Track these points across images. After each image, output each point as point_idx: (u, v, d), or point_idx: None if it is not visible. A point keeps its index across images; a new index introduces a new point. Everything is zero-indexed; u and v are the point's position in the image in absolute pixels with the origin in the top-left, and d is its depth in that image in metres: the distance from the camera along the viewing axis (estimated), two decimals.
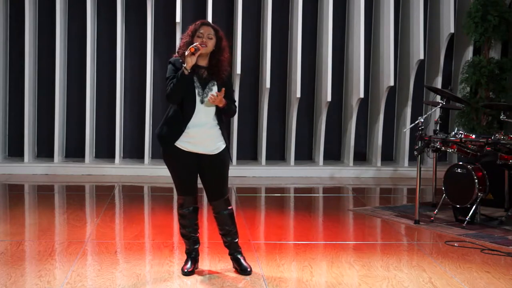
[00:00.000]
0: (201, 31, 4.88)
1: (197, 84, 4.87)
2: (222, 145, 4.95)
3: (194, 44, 4.79)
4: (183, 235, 5.09)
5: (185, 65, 4.80)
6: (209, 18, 9.43)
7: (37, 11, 9.77)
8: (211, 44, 4.88)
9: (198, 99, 4.87)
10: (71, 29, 9.88)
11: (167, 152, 4.95)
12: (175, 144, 4.89)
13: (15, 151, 9.87)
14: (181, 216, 5.04)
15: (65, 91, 9.89)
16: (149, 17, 9.64)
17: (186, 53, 4.77)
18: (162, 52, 9.96)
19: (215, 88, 4.90)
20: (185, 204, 5.01)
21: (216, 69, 4.91)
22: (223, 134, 4.96)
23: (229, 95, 4.94)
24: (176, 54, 5.01)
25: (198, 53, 4.79)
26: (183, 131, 4.87)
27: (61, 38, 9.55)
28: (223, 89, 4.85)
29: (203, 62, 4.92)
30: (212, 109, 4.90)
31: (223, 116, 4.98)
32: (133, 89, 10.05)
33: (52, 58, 9.55)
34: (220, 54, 4.91)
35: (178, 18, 9.45)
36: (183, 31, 9.66)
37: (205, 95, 4.87)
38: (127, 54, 9.99)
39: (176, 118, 4.92)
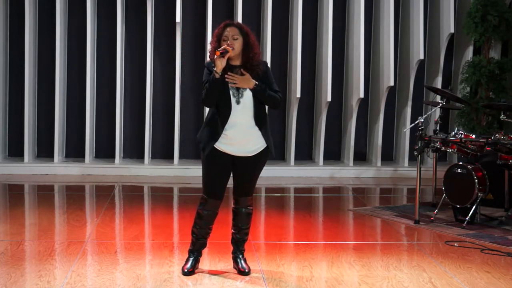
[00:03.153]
0: (226, 34, 4.84)
1: (231, 85, 4.84)
2: (262, 146, 4.92)
3: (221, 47, 4.77)
4: (193, 233, 5.07)
5: (215, 69, 4.77)
6: (209, 19, 9.44)
7: (37, 11, 9.77)
8: (238, 44, 4.84)
9: (233, 100, 4.84)
10: (71, 29, 9.88)
11: (206, 154, 4.90)
12: (214, 146, 4.86)
13: (15, 151, 9.87)
14: (198, 215, 5.02)
15: (65, 91, 9.89)
16: (149, 17, 9.64)
17: (214, 57, 4.74)
18: (162, 52, 9.96)
19: None
20: (207, 206, 4.98)
21: (249, 66, 4.87)
22: (263, 133, 4.91)
23: (269, 88, 4.91)
24: (208, 58, 4.96)
25: (228, 55, 4.74)
26: (221, 133, 4.84)
27: (61, 38, 9.55)
28: (241, 70, 4.82)
29: (236, 62, 4.89)
30: (250, 109, 4.87)
31: (263, 115, 4.93)
32: (133, 89, 10.05)
33: (52, 58, 9.56)
34: (249, 51, 4.87)
35: (178, 18, 9.45)
36: (183, 31, 9.75)
37: (240, 95, 4.84)
38: (127, 54, 9.98)
39: (214, 120, 4.88)
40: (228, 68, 4.82)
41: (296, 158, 10.01)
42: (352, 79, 9.92)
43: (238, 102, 4.85)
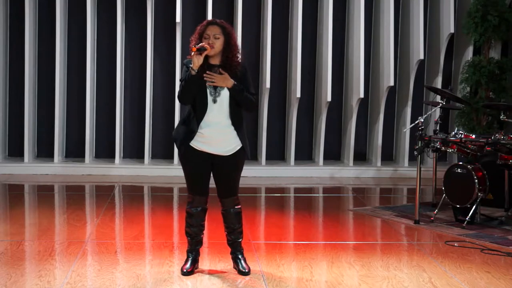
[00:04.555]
0: (208, 32, 4.84)
1: (208, 83, 4.84)
2: (237, 146, 4.93)
3: (199, 45, 4.77)
4: (187, 233, 5.08)
5: (191, 66, 4.78)
6: (209, 19, 9.41)
7: (37, 11, 9.77)
8: (219, 44, 4.84)
9: (210, 98, 4.85)
10: (71, 29, 9.88)
11: (182, 152, 4.94)
12: (190, 144, 4.88)
13: (15, 151, 9.87)
14: (188, 215, 5.04)
15: (65, 91, 9.89)
16: (149, 17, 9.63)
17: (192, 53, 4.75)
18: (162, 52, 9.96)
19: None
20: (194, 203, 5.00)
21: (228, 66, 4.87)
22: (239, 134, 4.92)
23: (246, 89, 4.91)
24: (189, 56, 4.97)
25: (205, 53, 4.75)
26: (196, 131, 4.85)
27: (61, 38, 9.55)
28: (219, 69, 4.84)
29: (216, 61, 4.89)
30: (226, 109, 4.87)
31: (240, 116, 4.94)
32: (133, 89, 10.05)
33: (52, 58, 9.55)
34: (229, 51, 4.87)
35: (178, 18, 9.45)
36: (183, 31, 9.75)
37: (217, 94, 4.85)
38: (127, 54, 9.98)
39: (190, 118, 4.91)
40: (207, 66, 4.83)
41: (296, 158, 10.01)
42: (352, 79, 9.92)
43: (214, 101, 4.86)
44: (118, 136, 9.77)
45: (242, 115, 5.00)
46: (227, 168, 4.95)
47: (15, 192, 8.58)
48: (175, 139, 4.99)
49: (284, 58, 10.14)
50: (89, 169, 9.61)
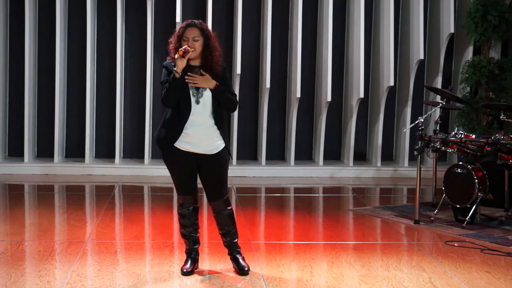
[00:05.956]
0: (186, 35, 4.88)
1: (191, 85, 4.86)
2: (221, 145, 4.95)
3: (183, 47, 4.79)
4: (183, 234, 5.10)
5: (175, 68, 4.79)
6: (209, 18, 9.43)
7: (37, 11, 9.77)
8: (198, 45, 4.88)
9: (193, 99, 4.88)
10: (71, 29, 9.88)
11: (166, 154, 4.96)
12: (174, 145, 4.89)
13: (15, 151, 9.87)
14: (181, 216, 5.05)
15: (65, 91, 9.89)
16: (149, 17, 9.64)
17: (176, 56, 4.77)
18: (162, 52, 9.95)
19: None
20: (185, 203, 5.02)
21: (208, 67, 4.90)
22: (222, 133, 4.95)
23: (227, 90, 4.93)
24: (169, 57, 5.01)
25: (188, 55, 4.79)
26: (180, 132, 4.88)
27: (61, 38, 9.55)
28: (200, 71, 4.86)
29: (196, 62, 4.93)
30: (209, 109, 4.90)
31: (221, 116, 4.97)
32: (133, 89, 10.05)
33: (52, 58, 9.56)
34: (209, 53, 4.90)
35: (178, 18, 9.45)
36: None
37: (200, 95, 4.88)
38: (127, 54, 9.99)
39: (173, 120, 4.93)
40: (188, 68, 4.86)
41: (296, 158, 10.01)
42: (352, 79, 9.92)
43: (197, 102, 4.88)
44: (118, 136, 9.77)
45: (223, 114, 5.03)
46: (213, 167, 4.95)
47: (15, 192, 8.58)
48: (158, 140, 5.00)
49: (284, 58, 10.14)
50: (89, 169, 9.61)
